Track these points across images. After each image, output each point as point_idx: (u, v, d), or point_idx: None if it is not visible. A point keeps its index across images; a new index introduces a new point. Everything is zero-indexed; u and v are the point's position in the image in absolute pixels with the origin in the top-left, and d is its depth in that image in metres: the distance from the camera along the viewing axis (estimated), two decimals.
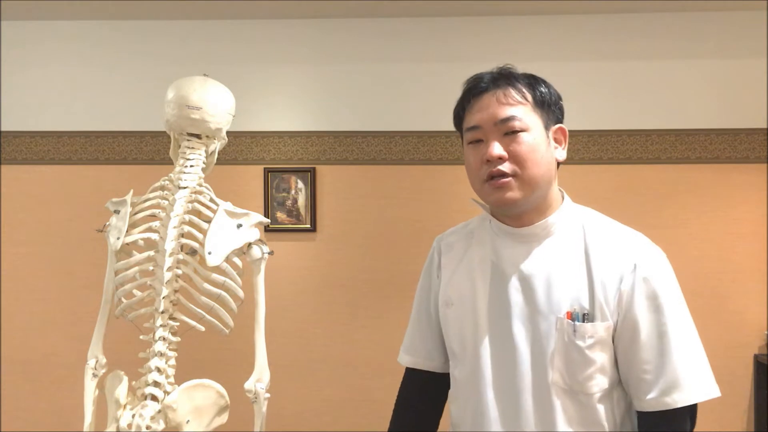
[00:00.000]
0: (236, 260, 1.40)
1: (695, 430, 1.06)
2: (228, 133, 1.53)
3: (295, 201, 2.81)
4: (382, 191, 2.82)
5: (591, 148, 2.76)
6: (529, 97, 1.09)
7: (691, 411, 1.04)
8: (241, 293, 1.38)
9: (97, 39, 2.84)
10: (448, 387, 1.26)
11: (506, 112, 1.07)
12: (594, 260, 1.07)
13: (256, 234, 1.42)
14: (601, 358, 1.05)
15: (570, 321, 1.05)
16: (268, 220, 1.49)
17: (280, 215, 2.82)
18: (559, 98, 1.15)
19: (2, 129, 2.86)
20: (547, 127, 1.10)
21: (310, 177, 2.80)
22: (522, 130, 1.07)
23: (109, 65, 2.84)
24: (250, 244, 1.40)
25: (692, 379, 1.02)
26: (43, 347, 2.83)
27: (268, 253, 1.44)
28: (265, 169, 2.81)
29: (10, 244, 2.85)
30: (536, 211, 1.12)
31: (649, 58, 2.75)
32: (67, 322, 2.82)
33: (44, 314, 2.83)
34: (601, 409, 1.05)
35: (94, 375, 1.40)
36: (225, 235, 1.37)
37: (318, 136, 2.82)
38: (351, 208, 2.82)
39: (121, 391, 1.31)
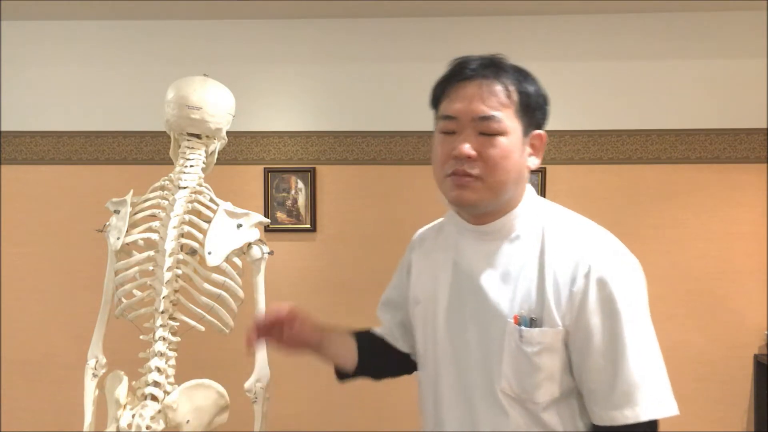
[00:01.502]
0: (236, 260, 1.40)
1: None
2: (228, 133, 1.53)
3: (295, 201, 2.81)
4: (382, 191, 2.82)
5: (591, 148, 2.76)
6: (514, 96, 1.01)
7: (650, 427, 0.96)
8: (241, 293, 1.38)
9: (97, 39, 2.84)
10: (403, 360, 1.26)
11: (488, 110, 0.99)
12: (548, 262, 1.00)
13: (256, 234, 1.42)
14: (550, 365, 0.98)
15: (516, 326, 0.99)
16: (268, 220, 1.49)
17: (280, 215, 2.82)
18: (546, 102, 1.07)
19: (2, 129, 2.86)
20: (525, 133, 1.03)
21: (310, 177, 2.80)
22: (499, 133, 0.99)
23: (109, 65, 2.84)
24: (250, 244, 1.40)
25: (647, 394, 0.94)
26: (43, 347, 2.83)
27: (268, 253, 1.44)
28: (265, 169, 2.81)
29: (10, 244, 2.85)
30: (498, 211, 1.06)
31: (649, 58, 2.74)
32: (67, 322, 2.81)
33: (44, 314, 2.83)
34: (549, 419, 0.99)
35: (94, 375, 1.40)
36: (225, 235, 1.37)
37: (318, 136, 2.82)
38: (351, 208, 2.82)
39: (121, 391, 1.31)
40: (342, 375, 1.28)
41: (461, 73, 1.03)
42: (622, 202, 2.74)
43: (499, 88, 1.01)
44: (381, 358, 1.28)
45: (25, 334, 2.83)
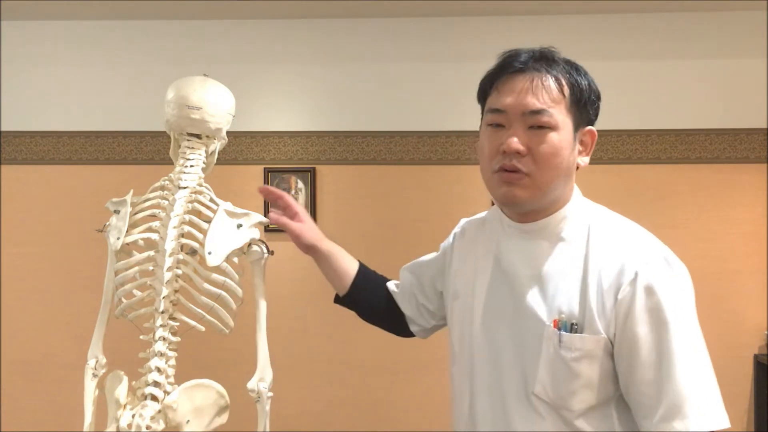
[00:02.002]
0: (236, 260, 1.40)
1: None
2: (228, 133, 1.53)
3: (295, 201, 2.81)
4: (382, 191, 2.81)
5: None
6: (566, 90, 0.97)
7: None
8: (241, 293, 1.38)
9: (97, 39, 2.84)
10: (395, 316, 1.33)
11: (538, 104, 0.95)
12: (592, 267, 0.97)
13: (256, 234, 1.42)
14: (588, 373, 0.95)
15: (556, 330, 0.95)
16: (268, 220, 1.49)
17: None
18: (598, 97, 1.03)
19: (2, 129, 2.86)
20: (576, 129, 1.00)
21: (310, 177, 2.80)
22: (550, 128, 0.96)
23: (109, 65, 2.84)
24: (250, 244, 1.40)
25: (696, 405, 0.90)
26: (43, 347, 2.83)
27: (269, 253, 1.43)
28: (265, 169, 2.81)
29: (10, 244, 2.85)
30: (543, 210, 1.03)
31: (649, 58, 2.74)
32: (67, 322, 2.81)
33: (44, 314, 2.83)
34: (583, 427, 0.96)
35: (94, 375, 1.40)
36: (225, 235, 1.37)
37: (318, 136, 2.82)
38: (351, 208, 2.82)
39: (121, 391, 1.31)
40: (337, 297, 1.40)
41: (511, 66, 0.99)
42: (621, 202, 2.73)
43: (550, 81, 0.97)
44: (373, 301, 1.37)
45: (25, 334, 2.83)
